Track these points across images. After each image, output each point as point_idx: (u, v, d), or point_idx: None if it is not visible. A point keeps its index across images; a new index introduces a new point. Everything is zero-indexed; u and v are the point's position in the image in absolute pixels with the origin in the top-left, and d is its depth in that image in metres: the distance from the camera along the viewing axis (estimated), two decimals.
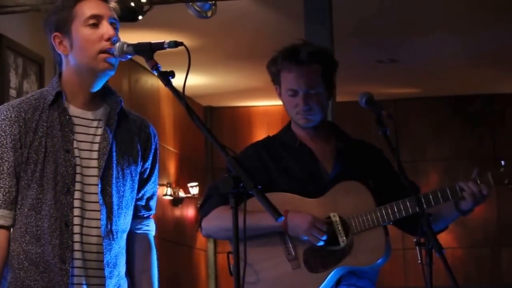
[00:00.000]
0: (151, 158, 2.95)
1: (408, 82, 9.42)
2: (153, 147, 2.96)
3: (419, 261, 3.25)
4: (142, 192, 2.95)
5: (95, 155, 2.80)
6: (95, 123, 2.82)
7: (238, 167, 2.53)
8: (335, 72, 3.64)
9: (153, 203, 3.01)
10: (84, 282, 2.76)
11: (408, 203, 3.47)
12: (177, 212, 9.45)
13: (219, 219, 3.33)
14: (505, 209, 9.59)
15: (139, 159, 2.90)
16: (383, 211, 3.47)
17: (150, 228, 3.01)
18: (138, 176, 2.90)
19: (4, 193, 2.74)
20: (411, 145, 9.69)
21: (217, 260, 10.10)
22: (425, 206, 3.45)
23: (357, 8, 7.17)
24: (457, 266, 9.21)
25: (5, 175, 2.74)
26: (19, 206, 2.75)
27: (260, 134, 10.22)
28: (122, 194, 2.83)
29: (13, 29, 6.18)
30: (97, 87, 2.82)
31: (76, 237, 2.75)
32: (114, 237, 2.82)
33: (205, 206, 3.60)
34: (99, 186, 2.78)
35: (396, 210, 3.47)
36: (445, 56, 8.50)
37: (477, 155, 9.73)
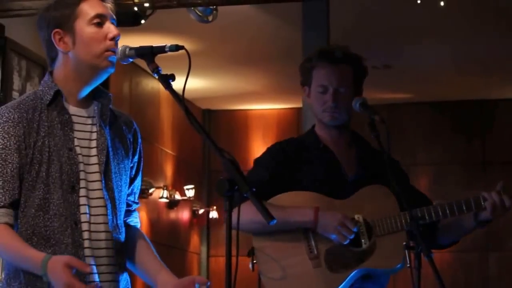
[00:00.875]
0: (138, 152, 2.93)
1: (401, 88, 9.41)
2: (139, 141, 2.95)
3: (408, 265, 3.25)
4: (132, 186, 2.93)
5: (94, 151, 2.78)
6: (89, 120, 2.81)
7: (234, 170, 2.52)
8: (364, 78, 3.67)
9: (137, 196, 2.99)
10: (97, 279, 2.73)
11: (432, 210, 3.47)
12: (172, 215, 9.38)
13: (251, 212, 3.35)
14: None
15: (130, 153, 2.89)
16: (407, 216, 3.44)
17: (138, 220, 2.99)
18: (129, 171, 2.88)
19: (9, 195, 2.70)
20: (403, 149, 9.66)
21: (209, 263, 10.05)
22: (448, 214, 3.46)
23: (353, 16, 7.17)
24: (445, 270, 9.19)
25: (9, 177, 2.70)
26: (22, 209, 2.71)
27: (256, 136, 10.22)
28: (120, 188, 2.83)
29: (17, 32, 6.17)
30: (95, 84, 2.81)
31: (85, 235, 2.72)
32: (120, 231, 2.81)
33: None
34: (103, 181, 2.76)
35: (419, 216, 3.45)
36: (437, 63, 8.51)
37: (467, 160, 9.72)
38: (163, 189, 9.01)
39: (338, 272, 3.45)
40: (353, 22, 7.31)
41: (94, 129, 2.80)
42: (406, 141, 9.78)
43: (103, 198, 2.77)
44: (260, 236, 3.51)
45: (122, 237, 2.83)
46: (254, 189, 2.52)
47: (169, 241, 9.24)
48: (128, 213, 2.93)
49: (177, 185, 9.42)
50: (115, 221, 2.79)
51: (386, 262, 3.45)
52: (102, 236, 2.76)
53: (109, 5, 2.82)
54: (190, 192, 9.44)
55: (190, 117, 2.60)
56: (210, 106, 10.22)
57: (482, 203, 3.47)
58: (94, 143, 2.79)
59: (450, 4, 5.74)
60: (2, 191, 2.69)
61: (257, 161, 3.67)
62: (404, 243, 3.22)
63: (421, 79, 9.04)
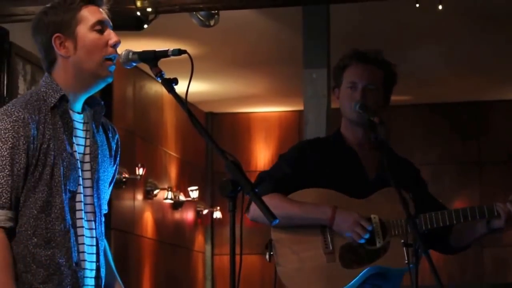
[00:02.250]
0: (117, 161, 2.90)
1: (399, 90, 9.37)
2: (119, 150, 2.91)
3: (406, 262, 3.25)
4: (108, 192, 2.89)
5: (87, 158, 2.75)
6: (84, 126, 2.77)
7: (237, 171, 2.50)
8: (394, 84, 3.68)
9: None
10: (88, 283, 2.72)
11: (446, 215, 3.48)
12: (177, 215, 9.38)
13: (270, 205, 3.35)
14: None
15: (112, 161, 2.86)
16: (422, 219, 3.47)
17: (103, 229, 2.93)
18: (109, 178, 2.86)
19: (16, 195, 2.65)
20: (400, 150, 9.60)
21: (214, 262, 10.06)
22: (462, 220, 3.47)
23: (353, 20, 7.15)
24: (441, 266, 9.17)
25: (15, 177, 2.64)
26: (22, 208, 2.66)
27: (258, 139, 10.20)
28: (103, 196, 2.80)
29: (22, 37, 6.14)
30: (92, 91, 2.76)
31: (80, 239, 2.70)
32: (103, 237, 2.79)
33: (259, 188, 3.58)
34: (94, 188, 2.74)
35: (434, 219, 3.46)
36: (434, 66, 8.51)
37: (463, 160, 9.72)
38: (168, 191, 8.99)
39: (351, 268, 3.48)
40: (353, 25, 7.30)
41: (87, 135, 2.77)
42: (404, 141, 9.77)
43: (93, 204, 2.75)
44: (278, 229, 3.55)
45: (104, 244, 2.81)
46: (256, 190, 2.52)
47: (174, 241, 9.24)
48: None
49: (181, 187, 9.40)
50: (100, 227, 2.77)
51: (398, 261, 3.44)
52: (91, 241, 2.74)
53: (106, 11, 2.78)
54: (194, 193, 9.43)
55: (193, 120, 2.57)
56: (213, 109, 10.20)
57: (495, 211, 3.47)
58: (87, 150, 2.76)
59: (446, 9, 5.73)
60: (9, 190, 2.64)
61: (282, 157, 3.69)
62: (402, 240, 3.24)
63: (418, 82, 9.03)
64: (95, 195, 2.75)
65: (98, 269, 2.75)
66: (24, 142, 2.65)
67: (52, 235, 2.66)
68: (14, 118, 2.66)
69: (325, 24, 5.94)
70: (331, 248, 3.50)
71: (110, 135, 2.85)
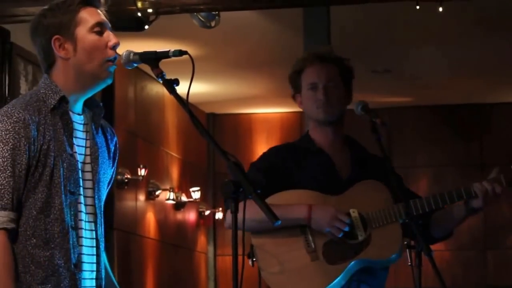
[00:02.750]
0: (115, 163, 2.89)
1: (401, 92, 9.41)
2: (117, 152, 2.90)
3: (409, 263, 3.25)
4: (104, 194, 2.87)
5: (88, 159, 2.74)
6: (84, 128, 2.76)
7: (238, 172, 2.49)
8: (351, 77, 3.68)
9: None
10: (87, 285, 2.71)
11: (424, 201, 3.48)
12: (179, 216, 9.38)
13: (249, 211, 3.35)
14: (491, 213, 9.56)
15: (111, 163, 2.85)
16: (400, 208, 3.47)
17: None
18: (108, 180, 2.85)
19: (17, 196, 2.64)
20: (403, 152, 9.66)
21: (216, 262, 10.05)
22: (440, 204, 3.48)
23: (354, 21, 7.15)
24: (445, 268, 9.18)
25: (16, 178, 2.63)
26: (24, 209, 2.65)
27: (260, 139, 10.19)
28: (102, 197, 2.79)
29: (23, 38, 6.14)
30: (92, 93, 2.76)
31: (80, 241, 2.69)
32: (103, 239, 2.78)
33: (227, 201, 3.60)
34: (95, 190, 2.73)
35: (413, 207, 3.46)
36: (436, 68, 8.51)
37: (465, 162, 9.72)
38: (170, 191, 8.99)
39: (336, 264, 3.47)
40: (354, 27, 7.30)
41: (88, 137, 2.76)
42: (406, 143, 9.78)
43: (94, 206, 2.74)
44: (258, 234, 3.54)
45: (103, 245, 2.80)
46: (258, 191, 2.51)
47: (176, 241, 9.24)
48: None
49: (183, 187, 9.40)
50: (101, 229, 2.76)
51: (381, 252, 3.46)
52: (91, 243, 2.73)
53: (104, 12, 2.77)
54: (196, 194, 9.43)
55: (195, 120, 2.56)
56: (214, 110, 10.20)
57: (473, 192, 3.50)
58: (88, 151, 2.75)
59: (448, 10, 5.72)
60: (11, 191, 2.63)
61: (254, 165, 3.69)
62: (406, 242, 3.23)
63: (420, 83, 9.03)
64: (96, 196, 2.74)
65: (98, 271, 2.75)
66: (25, 143, 2.64)
67: (51, 236, 2.65)
68: (15, 119, 2.64)
69: (325, 25, 5.94)
70: (313, 246, 3.49)
71: (108, 137, 2.85)
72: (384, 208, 3.48)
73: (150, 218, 8.68)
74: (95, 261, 2.73)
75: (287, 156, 3.62)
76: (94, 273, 2.73)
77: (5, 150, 2.63)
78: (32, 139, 2.64)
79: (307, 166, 3.59)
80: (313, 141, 3.64)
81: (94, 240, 2.73)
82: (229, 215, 3.52)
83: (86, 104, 2.78)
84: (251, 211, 3.32)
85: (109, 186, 2.88)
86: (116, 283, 2.89)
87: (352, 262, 3.45)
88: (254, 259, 3.53)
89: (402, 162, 9.59)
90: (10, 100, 5.91)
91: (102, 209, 2.80)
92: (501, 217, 9.63)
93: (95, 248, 2.73)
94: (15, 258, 2.64)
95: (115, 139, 2.89)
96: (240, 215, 3.43)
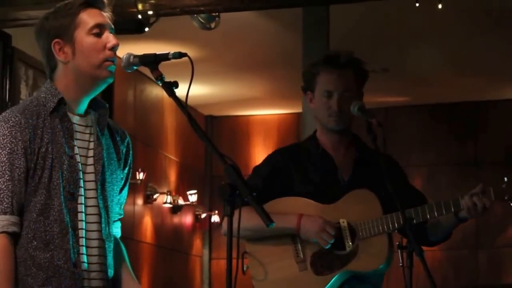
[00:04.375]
0: (128, 165, 2.89)
1: (398, 91, 9.39)
2: (131, 154, 2.90)
3: (400, 264, 3.24)
4: (119, 196, 2.87)
5: (91, 160, 2.73)
6: (88, 129, 2.75)
7: (235, 175, 2.48)
8: (365, 82, 3.65)
9: (122, 207, 2.93)
10: (88, 285, 2.70)
11: (419, 211, 3.46)
12: (176, 219, 9.35)
13: (242, 218, 3.35)
14: None
15: (122, 165, 2.84)
16: (388, 220, 3.46)
17: (119, 230, 2.92)
18: (119, 181, 2.84)
19: (17, 200, 2.65)
20: (398, 150, 9.62)
21: (211, 266, 10.02)
22: (428, 216, 3.46)
23: (352, 21, 7.14)
24: (436, 268, 9.16)
25: (16, 181, 2.64)
26: (26, 212, 2.66)
27: (257, 141, 10.18)
28: (112, 198, 2.78)
29: (24, 42, 6.13)
30: (94, 94, 2.75)
31: (81, 241, 2.68)
32: (111, 239, 2.77)
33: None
34: (98, 190, 2.72)
35: (401, 219, 3.42)
36: (432, 67, 8.50)
37: (460, 161, 9.70)
38: (167, 195, 8.98)
39: (322, 275, 3.47)
40: (352, 27, 7.29)
41: (92, 138, 2.75)
42: (401, 142, 9.76)
43: (97, 206, 2.73)
44: (251, 242, 3.54)
45: (112, 245, 2.79)
46: (254, 194, 2.50)
47: (172, 245, 9.21)
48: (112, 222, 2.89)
49: (181, 191, 9.38)
50: (107, 229, 2.75)
51: (368, 263, 3.45)
52: (95, 243, 2.72)
53: (107, 14, 2.76)
54: (193, 197, 9.41)
55: (193, 123, 2.56)
56: (212, 112, 10.19)
57: (461, 205, 3.46)
58: (91, 152, 2.74)
59: (446, 8, 5.72)
60: (10, 195, 2.64)
61: (255, 169, 3.68)
62: (397, 242, 3.23)
63: (417, 83, 9.02)
64: (101, 196, 2.73)
65: (105, 271, 2.74)
66: (22, 146, 2.65)
67: (51, 238, 2.65)
68: (11, 124, 2.66)
69: (324, 25, 5.93)
70: (302, 256, 3.48)
71: (118, 138, 2.84)
72: (372, 220, 3.46)
73: (147, 223, 8.66)
74: (100, 261, 2.72)
75: (290, 159, 3.60)
76: (101, 273, 2.72)
77: (3, 154, 2.64)
78: (28, 142, 2.65)
79: (309, 168, 3.57)
80: (319, 143, 3.62)
81: (99, 240, 2.72)
82: (225, 221, 3.54)
83: (92, 105, 2.78)
84: (246, 219, 3.35)
85: (125, 188, 2.87)
86: (134, 276, 2.86)
87: (338, 274, 3.45)
88: (247, 266, 3.52)
89: (397, 161, 9.58)
90: (11, 104, 5.96)
91: (114, 211, 2.79)
92: (492, 216, 9.61)
93: (100, 249, 2.72)
94: (16, 262, 2.64)
95: (127, 140, 2.87)
96: (235, 223, 3.46)
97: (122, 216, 2.92)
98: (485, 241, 9.56)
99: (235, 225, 3.37)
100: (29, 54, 6.20)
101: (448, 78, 8.90)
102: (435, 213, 3.45)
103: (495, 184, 3.54)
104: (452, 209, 3.46)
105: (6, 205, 2.63)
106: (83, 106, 2.75)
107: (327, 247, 3.44)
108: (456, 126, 9.80)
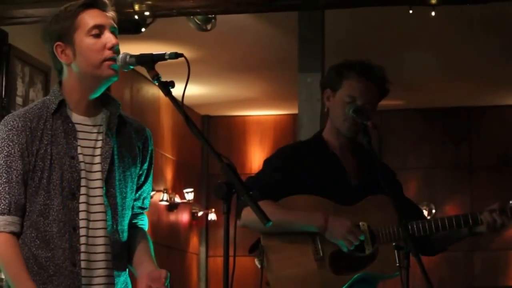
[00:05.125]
0: (148, 160, 2.90)
1: (393, 95, 9.36)
2: (150, 149, 2.91)
3: (397, 265, 3.25)
4: (139, 192, 2.89)
5: (97, 159, 2.75)
6: (96, 129, 2.77)
7: (231, 174, 2.49)
8: (383, 98, 3.67)
9: (147, 201, 2.95)
10: (92, 283, 2.71)
11: (432, 223, 3.50)
12: (172, 217, 9.35)
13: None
14: None
15: (138, 161, 2.85)
16: (414, 227, 3.49)
17: (144, 222, 2.94)
18: (137, 178, 2.85)
19: (15, 201, 2.68)
20: (393, 154, 9.66)
21: (208, 263, 10.03)
22: (448, 228, 3.49)
23: (347, 25, 7.15)
24: (432, 269, 9.16)
25: (14, 183, 2.68)
26: (27, 213, 2.69)
27: (253, 141, 10.19)
28: (124, 195, 2.79)
29: (21, 39, 6.13)
30: (99, 93, 2.77)
31: (82, 240, 2.69)
32: (120, 236, 2.77)
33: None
34: (104, 188, 2.73)
35: (421, 228, 3.48)
36: (427, 71, 8.52)
37: (454, 164, 9.72)
38: (163, 193, 8.97)
39: (341, 274, 3.48)
40: (347, 31, 7.30)
41: (100, 137, 2.76)
42: (397, 145, 9.78)
43: (103, 204, 2.73)
44: (268, 235, 3.54)
45: (123, 241, 2.79)
46: (251, 192, 2.51)
47: (169, 243, 9.21)
48: (135, 216, 2.89)
49: (177, 189, 9.38)
50: (115, 226, 2.75)
51: (386, 268, 3.47)
52: (100, 241, 2.72)
53: (109, 14, 2.77)
54: (189, 195, 9.41)
55: (189, 122, 2.56)
56: (209, 112, 10.19)
57: (479, 221, 3.50)
58: (98, 151, 2.75)
59: (439, 15, 5.73)
60: (8, 196, 2.68)
61: (268, 162, 3.65)
62: (394, 243, 3.24)
63: (411, 87, 9.03)
64: (108, 194, 2.74)
65: (110, 268, 2.74)
66: (18, 149, 2.69)
67: (51, 237, 2.68)
68: (9, 127, 2.71)
69: (320, 29, 5.94)
70: (321, 254, 3.50)
71: (134, 135, 2.84)
72: (392, 225, 3.48)
73: None
74: (105, 258, 2.73)
75: (301, 156, 3.60)
76: (107, 270, 2.73)
77: (0, 157, 2.69)
78: (26, 144, 2.69)
79: (319, 168, 3.57)
80: (327, 144, 3.62)
81: (105, 238, 2.72)
82: (245, 212, 3.49)
83: (104, 104, 2.79)
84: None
85: (147, 181, 2.89)
86: (155, 263, 2.86)
87: (357, 275, 3.47)
88: (261, 259, 3.53)
89: (392, 164, 9.49)
90: (7, 101, 5.95)
91: (126, 205, 2.78)
92: None
93: (108, 246, 2.73)
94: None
95: (145, 135, 2.88)
96: (244, 213, 3.43)
97: (146, 209, 2.92)
98: (480, 243, 9.58)
99: (251, 217, 3.35)
100: (26, 52, 6.19)
101: (441, 83, 8.92)
102: (454, 225, 3.49)
103: (488, 188, 3.56)
104: (471, 223, 3.50)
105: (3, 206, 2.67)
106: (90, 105, 2.77)
107: (351, 249, 3.46)
108: (450, 130, 9.82)
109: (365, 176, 3.58)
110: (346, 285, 3.46)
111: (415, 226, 3.48)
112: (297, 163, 3.57)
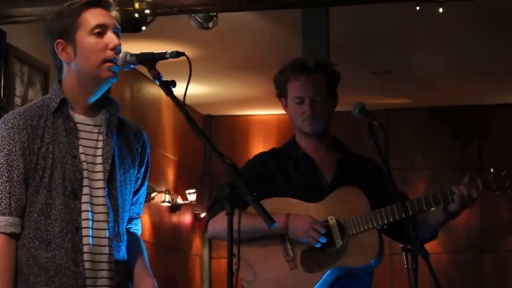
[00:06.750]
0: (145, 163, 2.90)
1: (400, 93, 9.41)
2: (147, 152, 2.92)
3: (405, 266, 3.26)
4: (137, 196, 2.90)
5: (99, 159, 2.75)
6: (96, 129, 2.78)
7: (235, 175, 2.50)
8: (337, 83, 3.69)
9: (142, 207, 2.96)
10: (95, 284, 2.72)
11: (402, 207, 3.45)
12: (174, 218, 9.37)
13: (226, 221, 3.35)
14: (487, 216, 9.58)
15: (136, 164, 2.86)
16: (377, 214, 3.49)
17: (138, 227, 2.95)
18: (134, 180, 2.86)
19: (16, 201, 2.68)
20: (401, 154, 9.67)
21: (211, 265, 10.05)
22: (417, 210, 3.48)
23: (352, 22, 7.16)
24: (441, 271, 9.19)
25: (15, 182, 2.68)
26: (27, 213, 2.70)
27: (256, 141, 10.19)
28: (124, 197, 2.80)
29: (19, 39, 6.15)
30: (98, 94, 2.78)
31: (85, 240, 2.70)
32: (122, 238, 2.79)
33: (212, 208, 3.64)
34: (106, 189, 2.74)
35: (390, 213, 3.48)
36: (435, 69, 8.52)
37: (463, 164, 9.72)
38: (165, 194, 8.99)
39: (313, 272, 3.49)
40: (352, 28, 7.30)
41: (101, 137, 2.77)
42: (404, 145, 9.79)
43: (105, 205, 2.74)
44: (240, 242, 3.54)
45: (124, 244, 2.80)
46: (254, 194, 2.51)
47: (172, 244, 9.22)
48: (130, 220, 2.91)
49: (179, 190, 9.40)
50: (116, 228, 2.77)
51: (358, 259, 3.48)
52: (104, 242, 2.74)
53: (113, 13, 2.78)
54: (191, 196, 9.43)
55: (191, 122, 2.57)
56: (211, 111, 10.20)
57: (449, 197, 3.48)
58: (99, 152, 2.76)
59: (447, 12, 5.73)
60: (8, 196, 2.68)
61: (244, 168, 3.69)
62: (402, 245, 3.23)
63: (419, 85, 9.04)
64: (110, 195, 2.75)
65: (112, 270, 2.75)
66: (19, 147, 2.69)
67: (52, 237, 2.68)
68: (10, 126, 2.71)
69: (324, 26, 5.95)
70: (291, 255, 3.51)
71: (132, 137, 2.85)
72: (361, 215, 3.49)
73: (145, 221, 8.68)
74: (107, 260, 2.74)
75: (271, 162, 3.63)
76: (109, 272, 2.74)
77: (0, 156, 2.69)
78: (27, 143, 2.69)
79: (291, 172, 3.61)
80: (299, 146, 3.66)
81: (106, 239, 2.74)
82: (211, 224, 3.60)
83: (104, 104, 2.80)
84: (225, 223, 3.36)
85: (142, 186, 2.89)
86: (149, 270, 2.89)
87: (329, 270, 3.48)
88: (237, 269, 3.56)
89: (400, 164, 9.60)
90: (6, 101, 5.96)
91: (125, 208, 2.80)
92: (498, 219, 9.64)
93: (108, 247, 2.74)
94: (18, 262, 2.68)
95: (143, 139, 2.89)
96: (212, 225, 3.47)
97: (140, 214, 2.94)
98: (490, 245, 9.59)
99: (223, 225, 3.38)
100: (24, 51, 6.21)
101: (449, 81, 8.92)
102: (424, 207, 3.47)
103: (483, 175, 3.56)
104: (441, 201, 3.48)
105: (4, 206, 2.68)
106: (89, 105, 2.77)
107: (317, 246, 3.47)
108: (458, 129, 9.82)
109: (341, 173, 3.59)
110: (320, 282, 3.45)
111: (383, 212, 3.46)
112: (268, 170, 3.61)
